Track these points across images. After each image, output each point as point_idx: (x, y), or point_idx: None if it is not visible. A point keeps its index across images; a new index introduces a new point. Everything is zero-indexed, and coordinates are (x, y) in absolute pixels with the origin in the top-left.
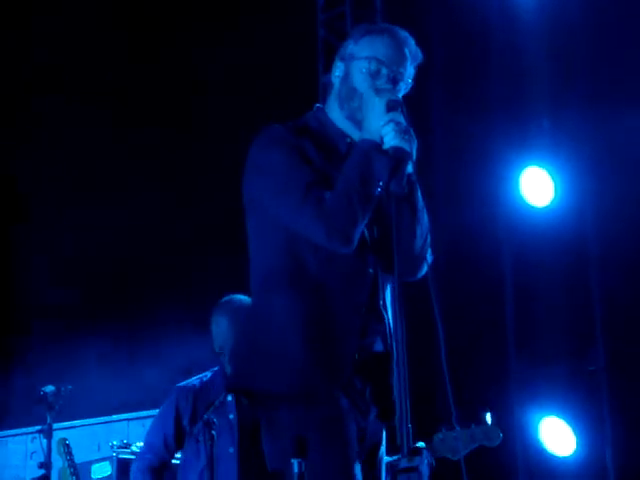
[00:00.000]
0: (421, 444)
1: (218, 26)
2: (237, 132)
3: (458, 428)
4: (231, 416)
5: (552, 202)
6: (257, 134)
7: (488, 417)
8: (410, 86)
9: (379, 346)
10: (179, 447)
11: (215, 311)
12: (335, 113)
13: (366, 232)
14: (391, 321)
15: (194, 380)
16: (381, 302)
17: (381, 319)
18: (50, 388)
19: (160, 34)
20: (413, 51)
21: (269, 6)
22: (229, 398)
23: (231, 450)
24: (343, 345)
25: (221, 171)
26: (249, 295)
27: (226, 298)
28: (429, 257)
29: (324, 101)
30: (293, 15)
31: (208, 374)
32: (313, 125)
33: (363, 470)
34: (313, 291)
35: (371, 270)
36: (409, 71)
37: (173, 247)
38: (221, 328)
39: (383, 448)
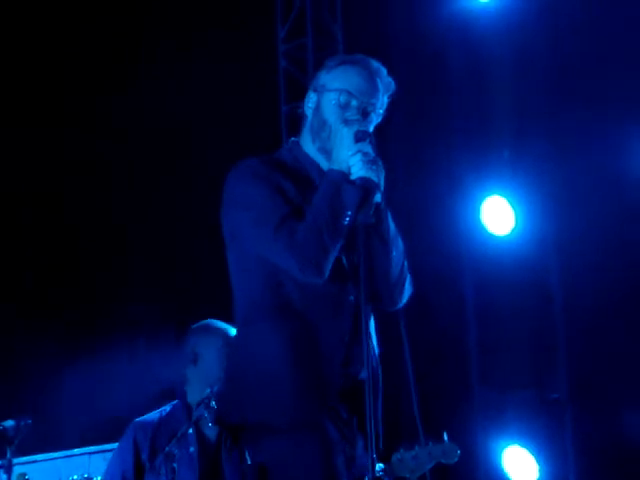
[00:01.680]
0: (380, 465)
1: (175, 56)
2: (199, 164)
3: (417, 447)
4: (192, 449)
5: (513, 231)
6: (232, 167)
7: (445, 435)
8: (381, 117)
9: (364, 374)
10: None
11: (199, 336)
12: (308, 145)
13: (345, 260)
14: (376, 349)
15: (153, 414)
16: (364, 330)
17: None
18: (10, 423)
19: (122, 65)
20: (385, 81)
21: (229, 37)
22: (190, 431)
23: None
24: (328, 374)
25: (189, 203)
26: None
27: (212, 323)
28: (408, 286)
29: (287, 130)
30: (254, 46)
31: (167, 408)
32: (287, 159)
33: None
34: (296, 321)
35: (352, 298)
36: (381, 101)
37: (148, 275)
38: (210, 360)
39: None
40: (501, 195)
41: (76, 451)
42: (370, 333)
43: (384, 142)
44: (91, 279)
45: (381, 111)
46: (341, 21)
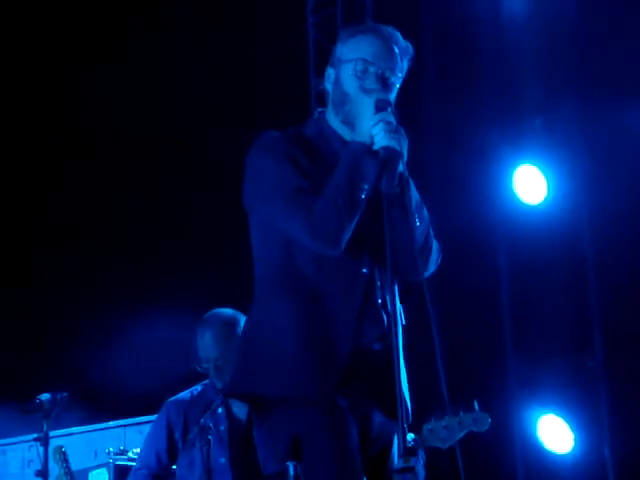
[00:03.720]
0: (411, 435)
1: (205, 28)
2: (228, 136)
3: (447, 417)
4: (222, 427)
5: (545, 199)
6: (253, 141)
7: (476, 404)
8: (402, 80)
9: (377, 346)
10: (172, 462)
11: (199, 325)
12: (333, 118)
13: (362, 232)
14: (399, 321)
15: (185, 394)
16: (380, 302)
17: (378, 319)
18: (46, 396)
19: (142, 35)
20: (402, 46)
21: (258, 8)
22: (219, 410)
23: (222, 460)
24: (338, 346)
25: (218, 176)
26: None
27: (210, 312)
28: (435, 254)
29: (317, 103)
30: (283, 17)
31: (199, 387)
32: (312, 131)
33: (372, 472)
34: (308, 294)
35: (365, 270)
36: (400, 66)
37: (176, 254)
38: (205, 341)
39: (394, 449)
40: (533, 164)
41: (112, 424)
42: (387, 305)
43: (417, 112)
44: (131, 257)
45: (401, 75)
46: None
